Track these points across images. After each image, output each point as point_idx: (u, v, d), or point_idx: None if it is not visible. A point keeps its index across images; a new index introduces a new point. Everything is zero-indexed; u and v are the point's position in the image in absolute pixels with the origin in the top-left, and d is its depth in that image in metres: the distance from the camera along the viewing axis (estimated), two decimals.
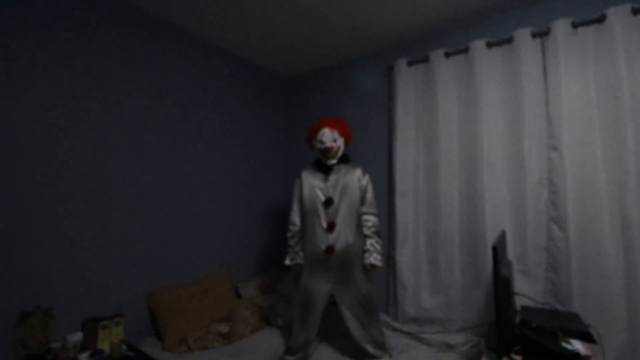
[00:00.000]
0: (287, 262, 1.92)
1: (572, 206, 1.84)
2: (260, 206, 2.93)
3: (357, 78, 2.78)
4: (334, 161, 1.88)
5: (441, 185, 2.23)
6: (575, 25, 1.90)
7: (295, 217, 1.94)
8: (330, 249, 1.77)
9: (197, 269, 2.32)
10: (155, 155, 2.12)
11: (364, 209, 1.86)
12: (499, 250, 1.25)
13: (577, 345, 1.38)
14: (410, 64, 2.43)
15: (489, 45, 2.13)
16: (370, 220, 1.84)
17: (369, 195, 1.88)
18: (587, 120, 1.84)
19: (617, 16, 1.78)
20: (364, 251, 1.81)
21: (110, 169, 1.88)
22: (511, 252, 2.00)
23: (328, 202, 1.82)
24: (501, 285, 1.26)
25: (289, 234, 1.94)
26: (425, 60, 2.36)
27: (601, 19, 1.84)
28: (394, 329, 2.21)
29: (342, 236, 1.79)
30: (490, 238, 2.03)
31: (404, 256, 2.31)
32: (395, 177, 2.39)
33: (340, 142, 1.89)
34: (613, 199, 1.77)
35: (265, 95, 3.06)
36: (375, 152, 2.61)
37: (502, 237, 1.72)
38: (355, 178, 1.86)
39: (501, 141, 2.09)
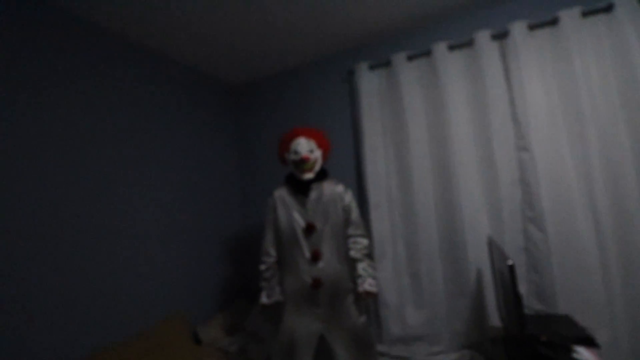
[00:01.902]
0: (264, 300, 1.62)
1: (548, 205, 1.84)
2: (216, 233, 2.54)
3: (314, 84, 2.60)
4: (310, 175, 1.63)
5: (415, 192, 2.12)
6: (531, 28, 1.93)
7: (270, 247, 1.66)
8: (317, 283, 1.53)
9: (145, 318, 1.89)
10: (76, 182, 1.66)
11: (350, 231, 1.65)
12: (514, 267, 1.13)
13: (585, 354, 1.32)
14: (372, 67, 2.31)
15: (451, 47, 2.10)
16: (360, 242, 1.64)
17: (354, 214, 1.68)
18: (552, 120, 1.87)
19: (568, 18, 1.84)
20: (356, 277, 1.59)
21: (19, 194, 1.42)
22: None
23: (309, 229, 1.58)
24: (519, 304, 1.14)
25: (263, 267, 1.65)
26: (388, 64, 2.27)
27: (554, 22, 1.89)
28: (382, 354, 2.03)
29: (330, 266, 1.55)
30: (471, 244, 1.97)
31: (384, 271, 2.15)
32: (367, 188, 2.23)
33: (318, 153, 1.67)
34: (584, 196, 1.80)
35: (213, 106, 2.71)
36: (341, 162, 2.43)
37: (493, 244, 1.64)
38: (337, 196, 1.65)
39: (471, 144, 2.05)
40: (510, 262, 1.16)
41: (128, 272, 1.85)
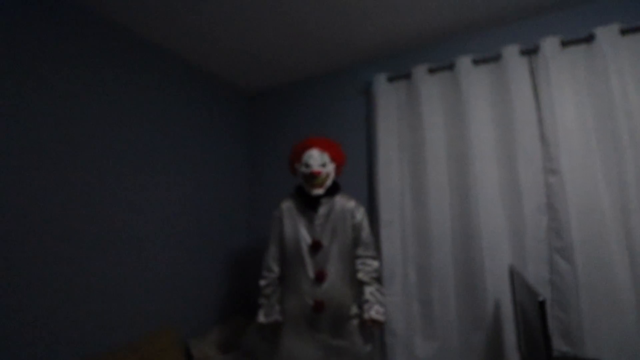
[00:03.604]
0: (261, 318, 1.49)
1: (577, 235, 1.67)
2: (218, 244, 2.42)
3: (330, 94, 2.52)
4: (320, 191, 1.52)
5: (431, 212, 1.98)
6: (564, 44, 1.82)
7: (272, 262, 1.54)
8: (319, 306, 1.40)
9: (134, 329, 1.78)
10: (75, 185, 1.59)
11: (359, 252, 1.52)
12: (545, 305, 0.99)
13: None
14: (391, 79, 2.22)
15: (476, 62, 2.00)
16: (369, 264, 1.51)
17: (365, 233, 1.55)
18: (585, 142, 1.73)
19: (605, 36, 1.72)
20: (362, 302, 1.46)
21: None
22: None
23: (315, 247, 1.46)
24: (548, 346, 0.99)
25: (263, 282, 1.53)
26: (408, 76, 2.17)
27: (590, 39, 1.77)
28: None
29: (334, 288, 1.43)
30: (490, 272, 1.81)
31: (393, 295, 1.99)
32: (379, 204, 2.10)
33: (331, 167, 1.56)
34: (619, 226, 1.63)
35: (226, 113, 2.64)
36: (353, 176, 2.31)
37: (516, 274, 1.49)
38: (348, 213, 1.53)
39: (494, 163, 1.92)
40: (540, 298, 1.01)
41: (121, 280, 1.75)
